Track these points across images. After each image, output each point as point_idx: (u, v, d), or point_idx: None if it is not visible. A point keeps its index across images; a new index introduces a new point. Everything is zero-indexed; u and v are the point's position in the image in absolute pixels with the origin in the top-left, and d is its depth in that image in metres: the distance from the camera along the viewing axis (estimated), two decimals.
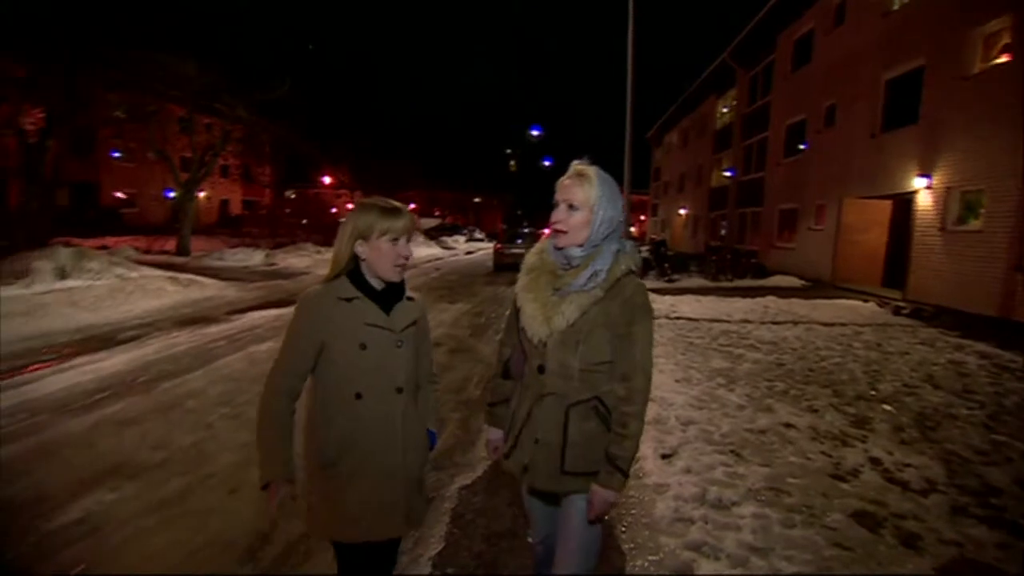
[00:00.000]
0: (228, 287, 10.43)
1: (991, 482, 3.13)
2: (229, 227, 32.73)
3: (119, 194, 28.73)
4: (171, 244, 17.55)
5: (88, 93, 12.06)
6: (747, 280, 14.20)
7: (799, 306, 9.62)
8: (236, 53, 14.86)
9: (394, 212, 1.49)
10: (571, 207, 1.43)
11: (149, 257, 14.34)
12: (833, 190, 13.91)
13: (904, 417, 4.19)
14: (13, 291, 6.86)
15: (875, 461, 3.39)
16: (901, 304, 9.80)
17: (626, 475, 1.45)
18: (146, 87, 14.09)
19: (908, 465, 3.35)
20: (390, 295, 1.53)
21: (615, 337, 1.43)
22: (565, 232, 1.44)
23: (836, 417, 4.13)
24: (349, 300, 1.47)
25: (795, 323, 8.06)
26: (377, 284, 1.51)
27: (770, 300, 9.99)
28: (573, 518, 1.50)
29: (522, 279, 1.54)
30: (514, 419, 1.56)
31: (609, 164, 1.34)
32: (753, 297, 10.42)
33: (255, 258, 15.90)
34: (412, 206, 46.52)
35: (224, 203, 36.39)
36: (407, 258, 1.51)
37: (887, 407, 4.42)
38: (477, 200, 56.65)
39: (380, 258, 1.48)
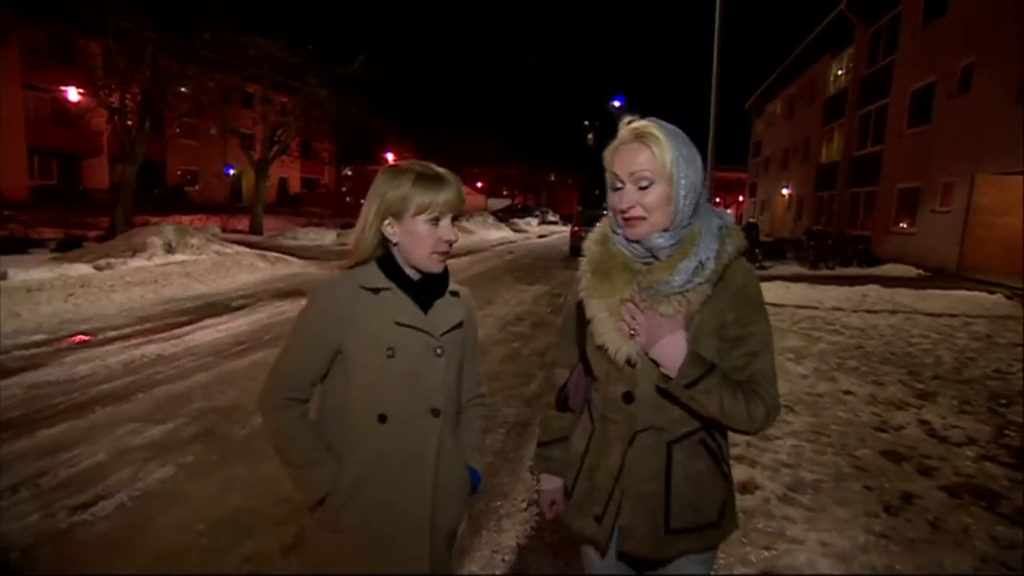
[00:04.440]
0: (310, 264, 12.30)
1: None
2: (289, 206, 36.01)
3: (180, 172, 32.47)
4: (243, 223, 20.02)
5: (189, 75, 14.37)
6: (851, 269, 14.48)
7: (905, 296, 10.05)
8: (317, 28, 17.02)
9: (436, 181, 1.29)
10: (642, 183, 1.20)
11: (225, 236, 16.60)
12: (964, 165, 13.87)
13: (978, 395, 4.92)
14: (139, 262, 8.81)
15: (924, 422, 4.25)
16: None
17: None
18: (239, 69, 16.42)
19: (956, 427, 4.18)
20: (430, 288, 1.35)
21: (724, 344, 1.22)
22: (643, 218, 1.21)
23: (900, 389, 4.96)
24: (376, 291, 1.29)
25: (893, 312, 8.63)
26: (413, 273, 1.34)
27: (871, 289, 10.47)
28: None
29: (586, 279, 1.31)
30: (592, 470, 1.33)
31: (702, 137, 1.40)
32: (852, 286, 10.91)
33: (327, 238, 18.00)
34: (479, 185, 48.60)
35: (283, 181, 39.85)
36: (451, 243, 1.32)
37: (962, 386, 5.15)
38: (551, 178, 57.70)
39: (416, 243, 1.29)
